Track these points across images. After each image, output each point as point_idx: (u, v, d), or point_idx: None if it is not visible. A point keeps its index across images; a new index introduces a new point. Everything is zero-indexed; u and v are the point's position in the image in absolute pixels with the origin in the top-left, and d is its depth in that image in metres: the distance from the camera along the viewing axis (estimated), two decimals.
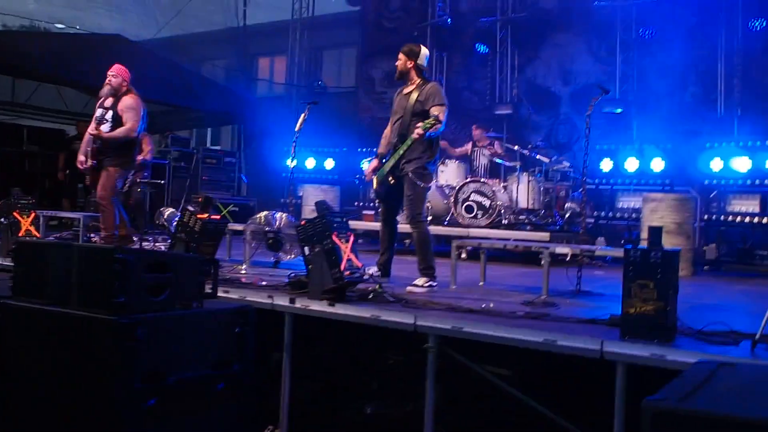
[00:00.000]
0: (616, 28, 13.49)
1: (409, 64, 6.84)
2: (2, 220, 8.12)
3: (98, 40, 13.61)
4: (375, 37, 17.68)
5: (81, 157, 7.98)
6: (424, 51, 6.93)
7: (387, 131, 7.10)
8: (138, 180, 10.17)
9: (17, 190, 8.41)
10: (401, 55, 6.87)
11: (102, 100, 8.05)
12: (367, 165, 7.08)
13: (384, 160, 6.90)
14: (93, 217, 8.82)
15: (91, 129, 7.79)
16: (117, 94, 7.96)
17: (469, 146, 12.02)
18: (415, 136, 6.43)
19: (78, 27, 15.17)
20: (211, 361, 4.09)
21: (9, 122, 15.90)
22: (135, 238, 8.61)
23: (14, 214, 7.96)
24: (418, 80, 6.83)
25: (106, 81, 8.00)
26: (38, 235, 8.11)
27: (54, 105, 15.99)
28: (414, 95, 6.72)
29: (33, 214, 8.06)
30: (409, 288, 6.38)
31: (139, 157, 10.24)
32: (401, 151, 6.62)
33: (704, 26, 12.58)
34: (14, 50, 12.68)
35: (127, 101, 7.91)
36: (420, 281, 6.53)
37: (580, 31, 13.81)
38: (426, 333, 4.94)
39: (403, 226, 7.36)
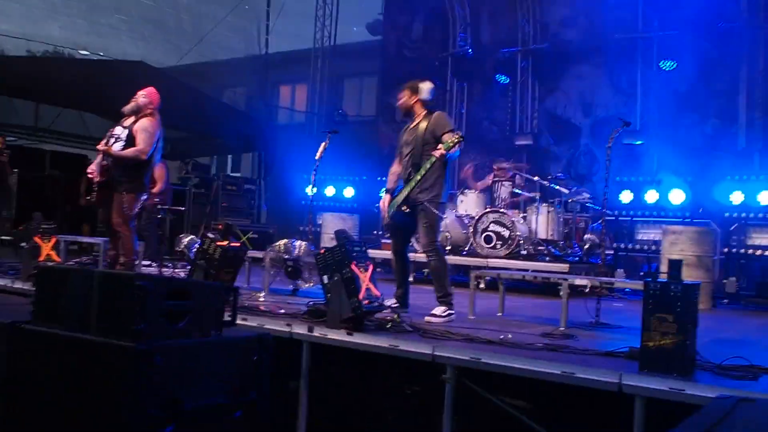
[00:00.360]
0: (637, 59, 13.52)
1: (413, 100, 6.91)
2: (23, 244, 8.18)
3: (121, 67, 13.78)
4: (396, 66, 17.79)
5: (92, 167, 7.72)
6: (427, 85, 6.97)
7: (394, 168, 7.13)
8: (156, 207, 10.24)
9: (38, 215, 8.45)
10: (404, 92, 6.96)
11: (123, 118, 7.84)
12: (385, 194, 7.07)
13: (394, 195, 6.93)
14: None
15: (101, 145, 7.61)
16: (138, 115, 7.75)
17: (490, 179, 12.03)
18: (437, 154, 6.45)
19: (101, 54, 15.36)
20: (228, 389, 4.08)
21: (32, 147, 16.09)
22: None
23: (35, 238, 8.01)
24: (423, 112, 6.89)
25: (133, 99, 7.82)
26: (59, 259, 8.15)
27: (76, 130, 16.18)
28: (422, 126, 6.77)
29: (54, 239, 8.10)
30: (427, 318, 6.37)
31: (154, 189, 10.30)
32: (418, 177, 6.64)
33: (726, 58, 12.58)
34: (38, 76, 12.87)
35: (144, 123, 7.67)
36: (438, 310, 6.51)
37: (600, 62, 13.85)
38: (444, 363, 4.92)
39: (420, 255, 7.36)
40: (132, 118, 7.77)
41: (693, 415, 3.03)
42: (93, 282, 3.92)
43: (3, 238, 11.59)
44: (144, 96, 7.85)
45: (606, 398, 4.33)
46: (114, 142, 7.63)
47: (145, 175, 7.85)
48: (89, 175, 7.73)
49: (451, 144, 6.44)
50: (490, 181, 11.99)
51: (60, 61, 14.76)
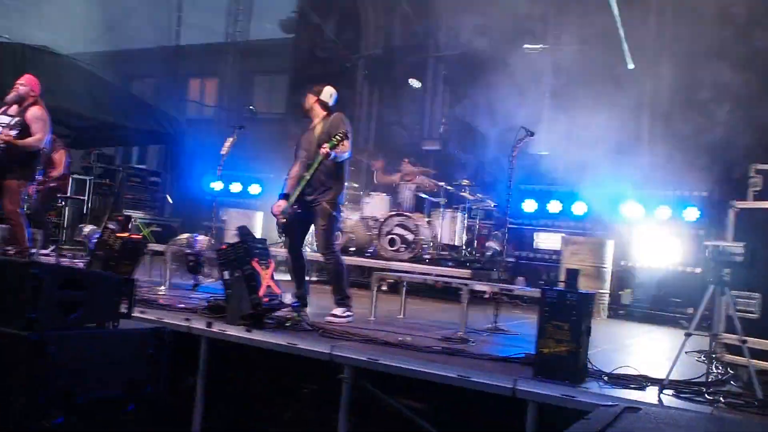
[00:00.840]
0: (547, 72, 13.86)
1: (312, 100, 6.91)
2: None
3: (26, 51, 13.30)
4: (307, 65, 17.75)
5: None
6: (329, 89, 6.98)
7: (293, 171, 7.03)
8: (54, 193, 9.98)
9: None
10: (307, 95, 6.96)
11: (5, 108, 7.80)
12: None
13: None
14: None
15: (4, 134, 7.45)
16: (23, 104, 7.74)
17: (397, 177, 12.11)
18: (322, 152, 6.39)
19: (6, 36, 14.76)
20: (122, 382, 4.01)
21: None
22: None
23: None
24: (323, 114, 6.88)
25: (14, 88, 7.79)
26: None
27: None
28: (319, 128, 6.77)
29: None
30: (327, 318, 6.38)
31: (53, 173, 10.07)
32: (307, 176, 6.57)
33: (630, 72, 13.03)
34: None
35: (36, 112, 7.71)
36: (338, 311, 6.53)
37: (510, 72, 14.13)
38: (342, 363, 4.95)
39: (318, 255, 7.32)
40: (16, 107, 7.73)
41: (580, 421, 3.14)
42: None
43: None
44: (23, 84, 7.82)
45: (500, 402, 4.43)
46: (4, 130, 7.51)
47: (36, 162, 7.94)
48: None
49: (336, 141, 6.40)
50: (398, 179, 12.06)
51: None
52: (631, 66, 12.82)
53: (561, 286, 4.59)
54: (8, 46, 13.68)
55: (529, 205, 12.10)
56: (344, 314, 6.51)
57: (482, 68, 14.16)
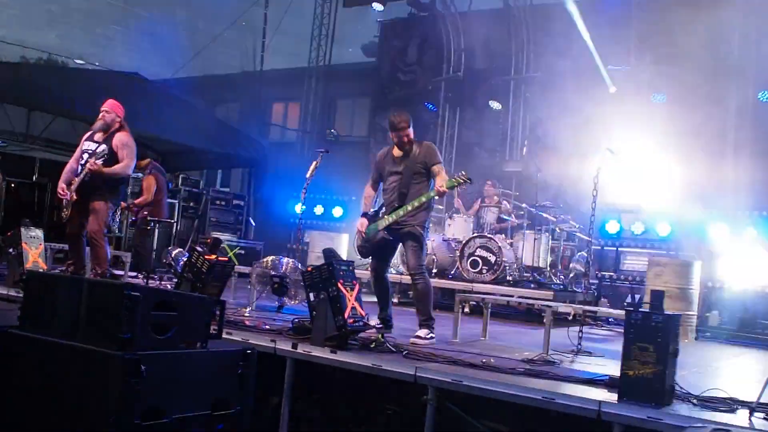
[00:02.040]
0: (629, 91, 13.66)
1: (411, 132, 6.86)
2: (11, 250, 8.17)
3: (116, 77, 13.83)
4: (389, 88, 17.94)
5: (62, 185, 7.84)
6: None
7: (369, 191, 7.10)
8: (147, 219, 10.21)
9: (26, 222, 8.46)
10: (407, 126, 6.79)
11: (91, 133, 8.01)
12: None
13: (372, 216, 6.92)
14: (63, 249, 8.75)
15: (87, 168, 7.64)
16: (109, 130, 7.92)
17: (477, 204, 12.10)
18: (440, 190, 6.48)
19: (97, 63, 15.39)
20: (211, 401, 4.12)
21: (21, 153, 16.06)
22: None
23: (22, 245, 8.01)
24: (414, 141, 6.87)
25: (100, 116, 7.97)
26: (45, 266, 8.15)
27: (68, 139, 16.18)
28: (412, 155, 6.78)
29: (41, 246, 8.11)
30: (412, 340, 6.40)
31: (138, 200, 10.34)
32: (409, 207, 6.63)
33: (715, 94, 12.76)
34: (31, 83, 12.86)
35: (123, 138, 7.86)
36: (422, 332, 6.54)
37: (591, 93, 13.96)
38: (426, 384, 4.96)
39: (406, 277, 7.37)
40: (102, 134, 7.92)
41: None
42: (82, 289, 3.95)
43: None
44: (107, 111, 7.98)
45: (585, 425, 4.38)
46: (90, 158, 7.70)
47: (122, 186, 8.16)
48: (60, 195, 7.83)
49: (455, 184, 6.51)
50: (477, 207, 12.06)
51: (54, 68, 14.80)
52: (612, 90, 12.65)
53: (646, 307, 4.52)
54: (100, 73, 14.25)
55: (613, 226, 11.91)
56: (428, 336, 6.52)
57: (564, 89, 14.07)
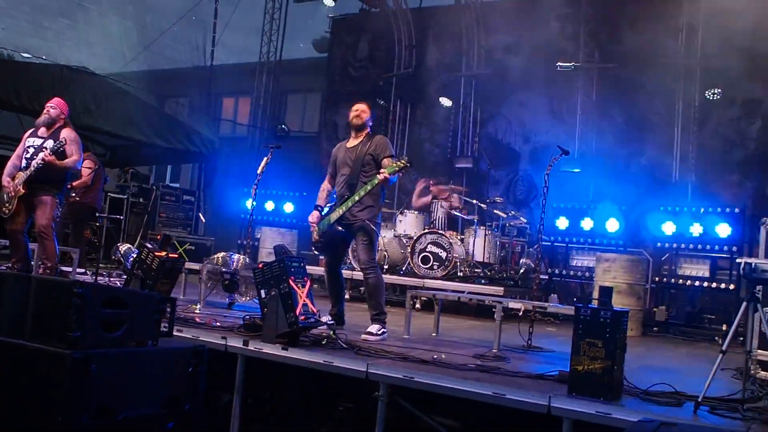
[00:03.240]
0: (577, 90, 13.89)
1: (366, 117, 6.98)
2: None
3: (63, 71, 13.55)
4: (340, 84, 17.93)
5: (6, 178, 7.78)
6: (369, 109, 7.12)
7: (325, 185, 7.17)
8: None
9: None
10: (364, 107, 7.00)
11: (34, 130, 7.99)
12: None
13: (326, 212, 6.96)
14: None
15: (38, 160, 7.55)
16: (53, 126, 7.91)
17: (428, 198, 12.16)
18: (380, 177, 6.50)
19: (44, 57, 15.04)
20: (162, 400, 4.08)
21: None
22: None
23: None
24: (366, 133, 6.97)
25: (44, 111, 7.95)
26: None
27: (14, 133, 15.82)
28: (363, 147, 6.84)
29: None
30: (363, 336, 6.41)
31: (77, 182, 10.25)
32: (356, 198, 6.66)
33: (662, 93, 13.04)
34: None
35: (70, 134, 7.85)
36: (373, 328, 6.57)
37: (542, 90, 14.17)
38: (377, 381, 4.98)
39: (358, 273, 7.39)
40: (45, 129, 7.91)
41: None
42: (30, 287, 3.89)
43: None
44: (53, 107, 7.98)
45: (535, 420, 4.44)
46: (36, 153, 7.66)
47: (67, 181, 8.17)
48: (5, 190, 7.73)
49: (396, 168, 6.48)
50: (429, 200, 12.12)
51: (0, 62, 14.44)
52: None
53: (595, 303, 4.60)
54: (47, 66, 13.96)
55: (562, 223, 12.07)
56: (379, 332, 6.55)
57: (514, 86, 14.23)
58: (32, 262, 8.03)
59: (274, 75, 19.85)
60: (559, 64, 13.53)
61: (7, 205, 7.67)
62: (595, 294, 4.75)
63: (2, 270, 7.83)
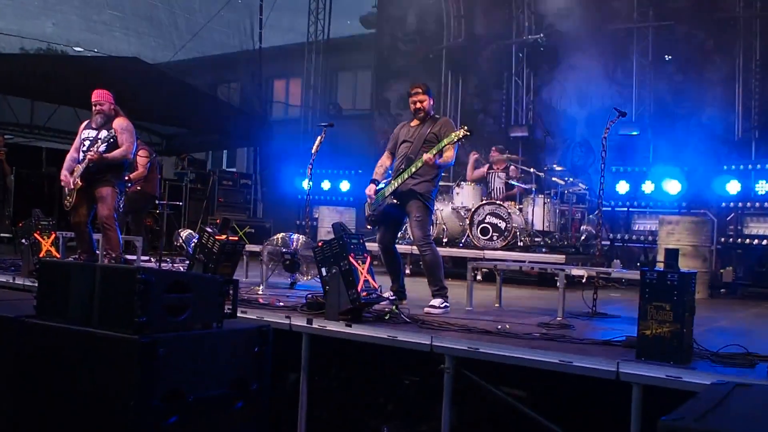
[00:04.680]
0: (632, 50, 13.57)
1: (427, 105, 6.89)
2: (24, 241, 8.20)
3: (116, 63, 13.79)
4: (390, 59, 17.82)
5: (65, 173, 7.85)
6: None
7: (383, 160, 7.14)
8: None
9: (37, 212, 8.47)
10: (422, 96, 6.86)
11: (89, 121, 8.03)
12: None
13: (381, 187, 6.95)
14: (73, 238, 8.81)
15: (89, 155, 7.62)
16: (107, 119, 7.90)
17: (485, 169, 12.05)
18: (425, 157, 6.48)
19: (95, 50, 15.30)
20: (230, 380, 4.13)
21: (28, 144, 16.07)
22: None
23: (35, 235, 8.03)
24: (431, 114, 6.94)
25: (95, 109, 7.92)
26: (58, 255, 8.15)
27: (72, 127, 16.17)
28: (427, 127, 6.79)
29: (53, 235, 8.12)
30: (426, 309, 6.41)
31: (133, 174, 10.42)
32: (406, 175, 6.65)
33: (721, 47, 12.65)
34: (32, 73, 12.86)
35: (122, 123, 7.85)
36: (436, 302, 6.55)
37: (595, 53, 13.85)
38: (442, 354, 4.96)
39: (414, 248, 7.37)
40: (99, 120, 7.92)
41: (690, 400, 3.07)
42: (95, 276, 3.95)
43: (3, 235, 11.61)
44: (100, 103, 7.93)
45: (604, 386, 4.38)
46: (98, 148, 7.69)
47: (126, 170, 8.19)
48: (63, 184, 7.84)
49: (457, 138, 6.46)
50: (485, 171, 12.01)
51: (54, 58, 14.75)
52: None
53: (660, 266, 4.49)
54: (99, 59, 14.21)
55: (622, 187, 11.86)
56: (442, 305, 6.52)
57: (566, 51, 13.97)
58: (97, 252, 8.20)
59: (324, 54, 19.83)
60: (612, 25, 13.21)
61: (68, 198, 7.81)
62: (660, 257, 4.64)
63: (70, 260, 8.01)
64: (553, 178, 11.16)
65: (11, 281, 7.81)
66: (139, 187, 10.71)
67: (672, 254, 4.48)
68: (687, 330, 4.35)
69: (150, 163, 10.80)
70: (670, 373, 4.11)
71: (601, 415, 4.63)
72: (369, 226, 7.31)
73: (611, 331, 5.58)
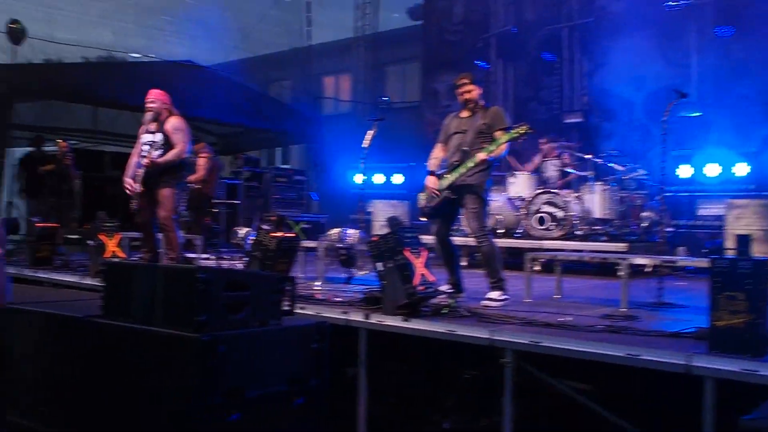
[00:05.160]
0: (690, 28, 13.17)
1: (475, 94, 6.80)
2: (90, 242, 8.40)
3: (171, 67, 14.01)
4: (437, 50, 17.71)
5: (128, 180, 7.97)
6: None
7: (437, 152, 7.03)
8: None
9: (102, 214, 8.69)
10: (469, 85, 6.78)
11: (146, 125, 8.09)
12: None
13: (440, 177, 6.85)
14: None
15: (144, 161, 7.77)
16: (159, 118, 7.98)
17: (537, 159, 11.87)
18: (480, 156, 6.45)
19: (152, 55, 15.60)
20: (289, 377, 4.11)
21: (92, 149, 16.44)
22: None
23: (100, 236, 8.20)
24: (481, 103, 6.84)
25: (146, 108, 8.03)
26: (123, 255, 8.36)
27: (132, 130, 16.46)
28: (478, 117, 6.70)
29: (118, 236, 8.29)
30: (483, 302, 6.32)
31: (193, 177, 10.54)
32: (462, 170, 6.58)
33: None
34: (94, 81, 13.19)
35: (175, 123, 7.92)
36: (494, 294, 6.44)
37: (651, 33, 13.50)
38: (502, 347, 4.86)
39: (469, 240, 7.29)
40: (155, 123, 7.99)
41: None
42: (156, 276, 3.99)
43: (71, 236, 11.90)
44: (152, 101, 8.02)
45: (673, 380, 4.23)
46: (150, 149, 7.82)
47: (185, 170, 8.27)
48: (127, 190, 7.94)
49: (516, 135, 6.42)
50: (538, 161, 11.83)
51: (114, 65, 15.05)
52: None
53: (729, 253, 4.31)
54: (155, 63, 14.44)
55: (685, 171, 11.53)
56: (500, 297, 6.41)
57: (619, 32, 13.65)
58: (161, 252, 8.33)
59: (372, 48, 19.82)
60: (668, 3, 12.87)
61: (133, 201, 7.93)
62: (729, 243, 4.45)
63: (134, 260, 8.15)
64: (611, 164, 10.92)
65: (80, 281, 8.04)
66: (198, 186, 10.86)
67: (744, 240, 4.28)
68: (762, 320, 4.16)
69: (210, 165, 10.94)
70: (745, 366, 3.93)
71: (672, 411, 4.48)
72: (422, 219, 7.24)
73: (679, 322, 5.39)
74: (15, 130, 13.15)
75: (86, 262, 8.84)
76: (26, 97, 13.16)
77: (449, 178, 6.67)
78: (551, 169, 11.44)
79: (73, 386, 4.24)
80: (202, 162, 10.82)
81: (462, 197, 6.67)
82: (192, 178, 10.62)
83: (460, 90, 6.80)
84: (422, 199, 6.95)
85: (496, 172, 11.30)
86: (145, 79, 12.97)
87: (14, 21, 11.77)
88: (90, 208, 11.85)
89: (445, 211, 6.87)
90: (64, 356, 4.35)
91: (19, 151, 13.64)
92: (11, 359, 4.52)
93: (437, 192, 6.75)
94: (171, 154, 7.81)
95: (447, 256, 6.94)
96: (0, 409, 4.57)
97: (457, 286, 6.79)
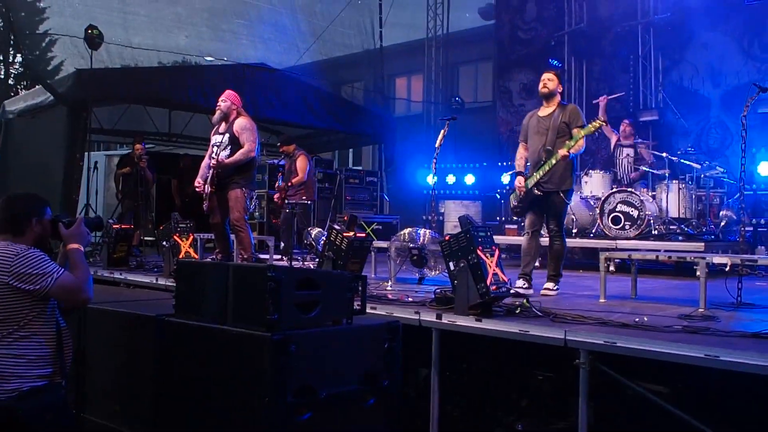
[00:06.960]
0: None
1: (552, 85, 7.10)
2: (164, 243, 8.60)
3: (244, 70, 14.23)
4: (510, 49, 17.55)
5: (199, 181, 8.16)
6: None
7: (521, 152, 7.38)
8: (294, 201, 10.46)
9: (176, 215, 8.87)
10: (550, 75, 7.12)
11: (216, 127, 8.28)
12: (508, 178, 7.20)
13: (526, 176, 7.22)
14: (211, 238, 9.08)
15: (212, 162, 7.94)
16: (228, 119, 8.14)
17: (614, 138, 11.67)
18: (562, 153, 6.77)
19: (225, 59, 15.85)
20: (360, 377, 4.12)
21: (167, 152, 16.83)
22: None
23: (174, 237, 8.38)
24: (558, 101, 7.13)
25: (216, 107, 8.20)
26: (196, 256, 8.51)
27: (206, 133, 16.81)
28: (557, 115, 6.99)
29: (191, 237, 8.46)
30: (542, 291, 6.75)
31: (294, 180, 10.64)
32: (547, 167, 6.90)
33: None
34: (169, 84, 13.51)
35: (242, 123, 8.05)
36: (550, 285, 6.92)
37: (728, 29, 13.13)
38: (577, 348, 4.78)
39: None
40: (224, 124, 8.15)
41: None
42: (228, 275, 4.04)
43: (147, 238, 12.20)
44: (223, 101, 8.20)
45: (755, 382, 4.09)
46: (220, 151, 7.98)
47: (254, 170, 8.33)
48: (198, 190, 8.14)
49: (593, 129, 6.84)
50: (615, 141, 11.61)
51: (188, 69, 15.36)
52: None
53: None
54: (229, 67, 14.70)
55: (765, 169, 11.17)
56: (554, 288, 6.91)
57: (696, 28, 13.32)
58: (233, 252, 8.48)
59: (443, 48, 19.77)
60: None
61: (206, 202, 8.10)
62: None
63: (207, 260, 8.31)
64: (688, 162, 10.66)
65: (154, 282, 8.21)
66: (304, 197, 10.89)
67: None
68: None
69: (309, 168, 11.03)
70: None
71: (752, 414, 4.35)
72: (515, 217, 7.54)
73: (760, 322, 5.23)
74: (92, 134, 13.48)
75: (161, 263, 9.06)
76: (103, 102, 13.52)
77: (536, 177, 7.00)
78: (624, 161, 11.23)
79: (145, 385, 4.34)
80: (301, 165, 10.90)
81: (548, 197, 7.04)
82: (294, 180, 10.73)
83: (542, 78, 7.16)
84: (513, 199, 7.34)
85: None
86: (218, 82, 13.27)
87: (92, 27, 12.11)
88: (165, 210, 12.14)
89: (534, 207, 7.20)
90: (138, 355, 4.47)
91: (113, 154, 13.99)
92: (88, 357, 4.66)
93: (525, 191, 7.10)
94: (239, 154, 7.94)
95: (535, 247, 7.32)
96: (77, 406, 4.71)
97: (527, 279, 7.00)
